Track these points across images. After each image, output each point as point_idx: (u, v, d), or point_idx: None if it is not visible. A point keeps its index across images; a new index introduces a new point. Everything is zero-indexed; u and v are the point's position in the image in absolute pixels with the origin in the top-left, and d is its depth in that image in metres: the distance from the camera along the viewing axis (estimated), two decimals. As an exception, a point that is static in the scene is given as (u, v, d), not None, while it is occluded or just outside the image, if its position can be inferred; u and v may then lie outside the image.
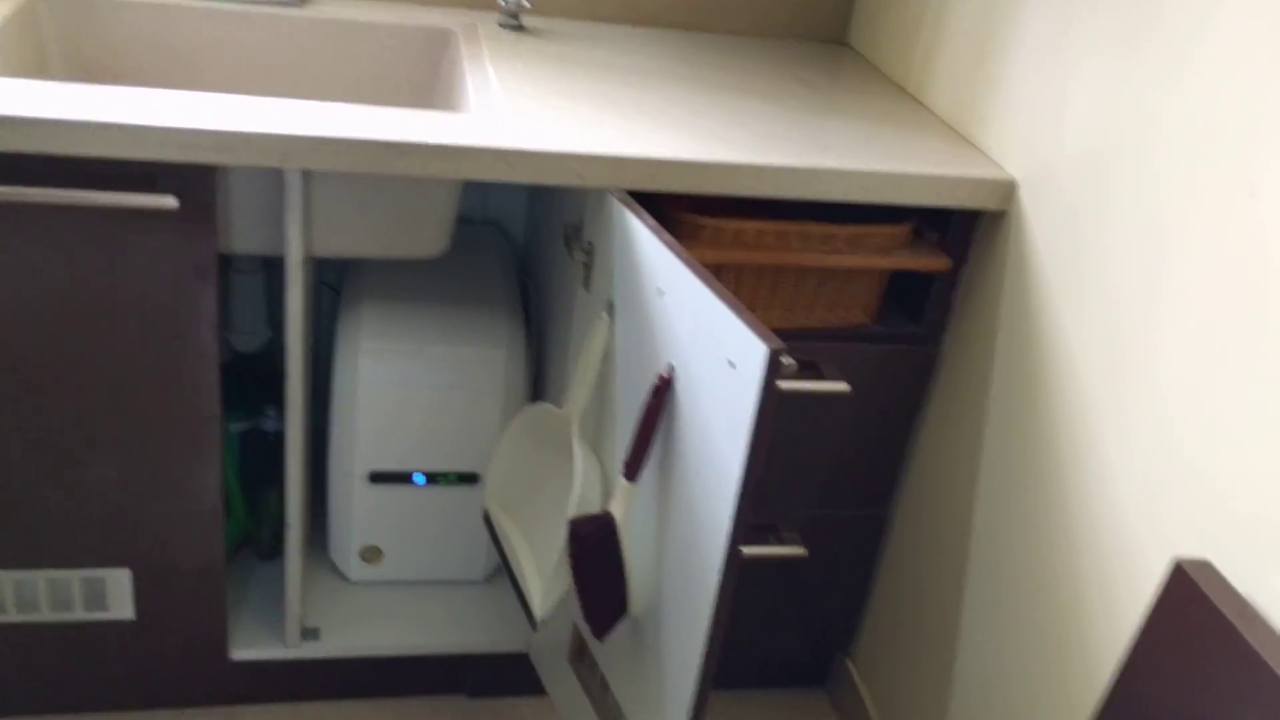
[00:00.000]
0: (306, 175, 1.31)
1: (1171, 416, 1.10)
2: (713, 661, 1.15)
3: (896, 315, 1.56)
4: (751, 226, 1.39)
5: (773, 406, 1.03)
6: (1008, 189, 1.40)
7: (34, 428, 1.33)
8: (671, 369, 1.17)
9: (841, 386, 1.39)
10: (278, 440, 1.71)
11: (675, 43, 1.79)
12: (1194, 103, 1.10)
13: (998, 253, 1.43)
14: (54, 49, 1.59)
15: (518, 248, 1.97)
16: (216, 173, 1.25)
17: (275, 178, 1.31)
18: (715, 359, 1.09)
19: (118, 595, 1.44)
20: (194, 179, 1.24)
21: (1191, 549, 1.06)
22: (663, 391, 1.18)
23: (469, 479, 1.63)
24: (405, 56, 1.71)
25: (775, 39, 1.90)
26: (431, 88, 1.74)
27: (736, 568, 1.10)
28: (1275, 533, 0.97)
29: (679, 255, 1.16)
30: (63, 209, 1.22)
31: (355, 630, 1.61)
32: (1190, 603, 0.98)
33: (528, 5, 1.72)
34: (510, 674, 1.69)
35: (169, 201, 1.21)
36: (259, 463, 1.69)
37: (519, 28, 1.73)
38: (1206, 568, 1.00)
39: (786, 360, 1.02)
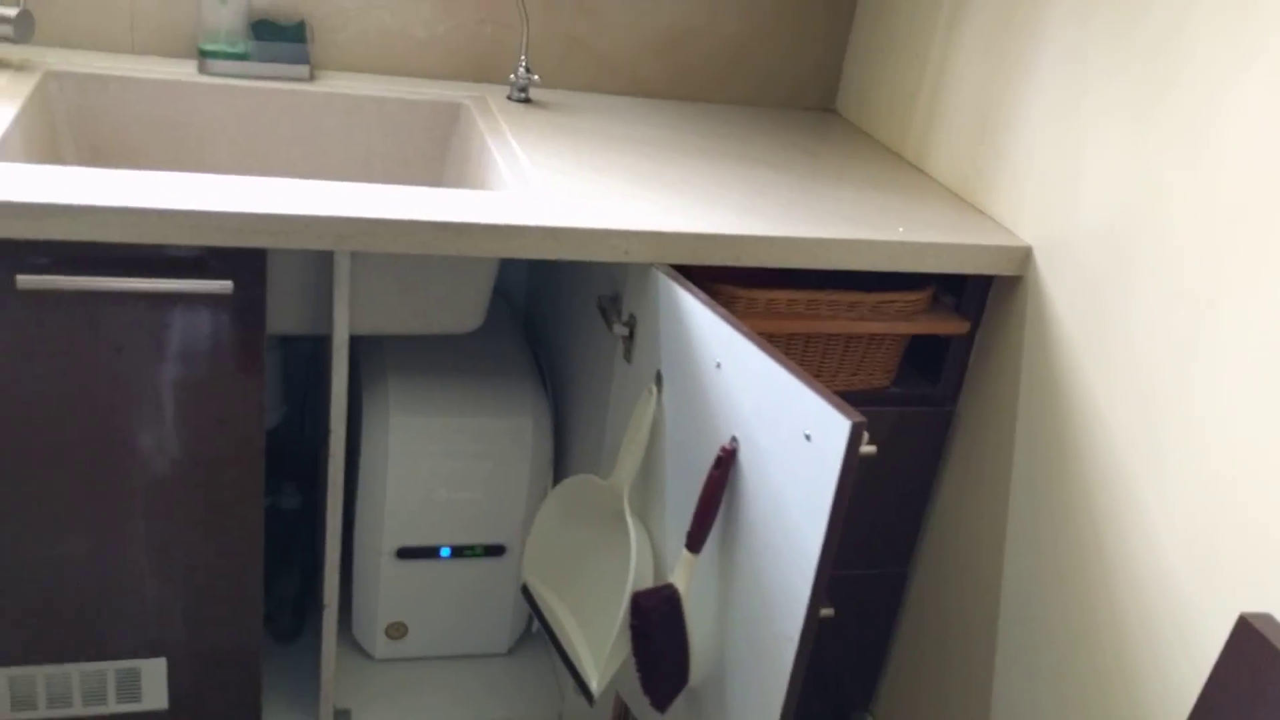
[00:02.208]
0: (353, 255, 1.31)
1: (1220, 472, 1.16)
2: (787, 728, 1.17)
3: (913, 377, 1.60)
4: (784, 296, 1.43)
5: (853, 477, 1.06)
6: (1024, 255, 1.46)
7: (72, 516, 1.30)
8: (735, 441, 1.20)
9: (870, 449, 1.43)
10: (296, 518, 1.69)
11: (678, 113, 1.83)
12: (1218, 168, 1.17)
13: (1014, 315, 1.49)
14: (65, 130, 1.57)
15: (520, 314, 1.98)
16: (267, 256, 1.24)
17: (322, 259, 1.31)
18: (786, 432, 1.12)
19: (152, 685, 1.41)
20: (244, 263, 1.23)
21: (1249, 602, 1.11)
22: (726, 463, 1.20)
23: (495, 551, 1.63)
24: (416, 130, 1.73)
25: (767, 108, 1.96)
26: (442, 160, 1.75)
27: (812, 635, 1.13)
28: (1334, 584, 1.02)
29: (740, 330, 1.19)
30: (110, 296, 1.21)
31: (385, 709, 1.59)
32: (1258, 657, 1.03)
33: (537, 79, 1.75)
34: (539, 746, 1.68)
35: (225, 286, 1.21)
36: (277, 542, 1.67)
37: (527, 100, 1.76)
38: (1271, 621, 1.05)
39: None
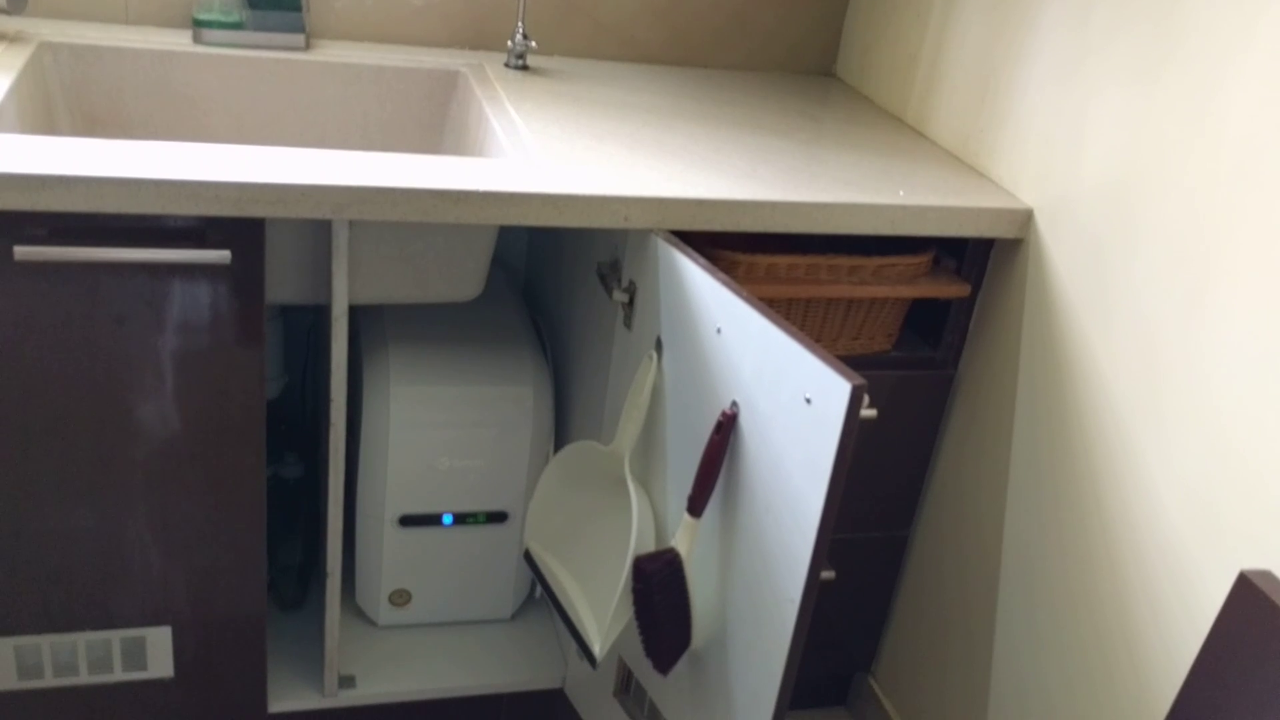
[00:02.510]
0: (352, 225, 1.31)
1: (1223, 430, 1.16)
2: (790, 685, 1.17)
3: (913, 341, 1.60)
4: (784, 261, 1.43)
5: (853, 440, 1.07)
6: (1024, 218, 1.46)
7: (73, 486, 1.30)
8: (735, 405, 1.20)
9: (870, 413, 1.43)
10: (298, 487, 1.69)
11: (675, 79, 1.82)
12: (1223, 129, 1.16)
13: (1015, 278, 1.49)
14: (60, 101, 1.56)
15: (519, 281, 1.98)
16: (265, 225, 1.24)
17: (320, 228, 1.31)
18: (787, 396, 1.12)
19: (158, 654, 1.42)
20: (243, 232, 1.23)
21: (1249, 559, 1.11)
22: (727, 428, 1.20)
23: (497, 518, 1.63)
24: (413, 99, 1.72)
25: (766, 72, 1.95)
26: (440, 128, 1.74)
27: (814, 597, 1.13)
28: (1334, 542, 1.03)
29: (740, 294, 1.19)
30: (108, 266, 1.20)
31: (389, 675, 1.60)
32: (1257, 613, 1.03)
33: (534, 46, 1.74)
34: (544, 711, 1.69)
35: (223, 256, 1.21)
36: (280, 511, 1.67)
37: (524, 68, 1.75)
38: (1271, 578, 1.05)
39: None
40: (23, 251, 1.15)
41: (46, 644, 1.37)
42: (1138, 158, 1.28)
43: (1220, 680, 1.07)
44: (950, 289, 1.51)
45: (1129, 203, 1.29)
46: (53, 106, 1.54)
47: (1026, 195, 1.47)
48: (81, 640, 1.38)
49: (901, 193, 1.43)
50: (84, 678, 1.40)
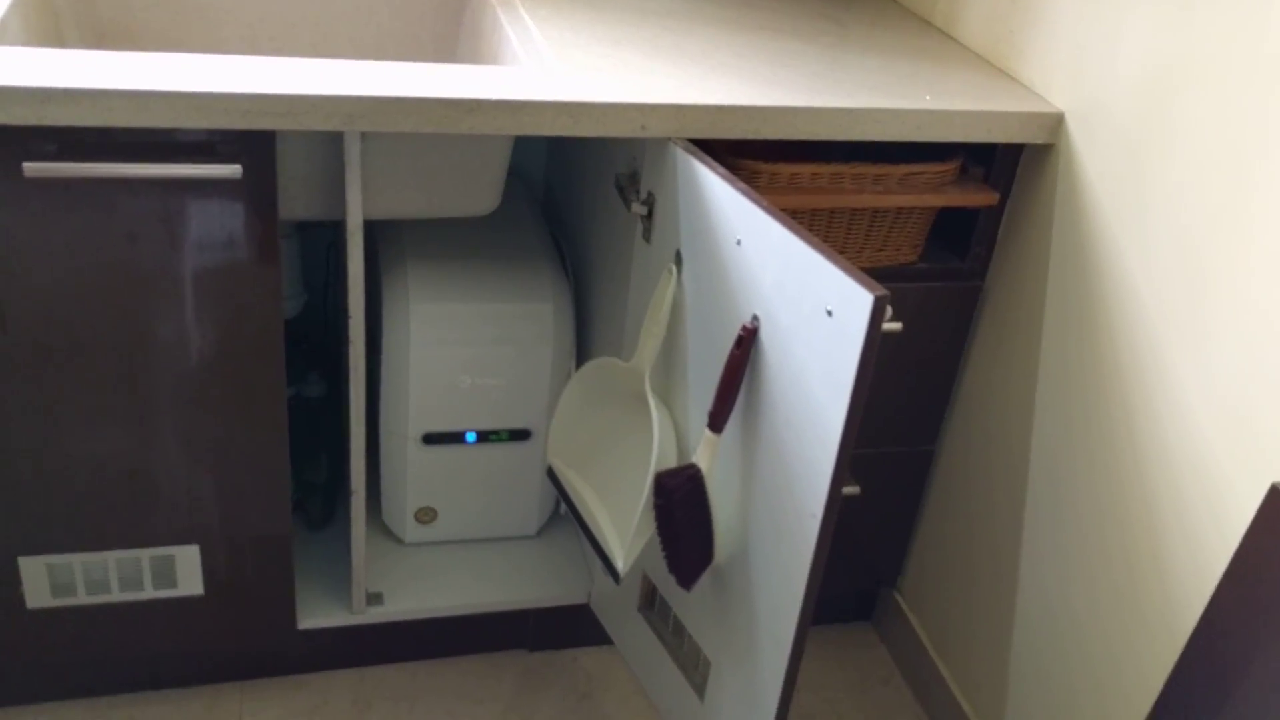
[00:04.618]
0: (364, 137, 1.28)
1: (1262, 342, 1.12)
2: (812, 601, 1.17)
3: (940, 252, 1.57)
4: (806, 170, 1.39)
5: (875, 352, 1.04)
6: (1055, 122, 1.41)
7: (96, 407, 1.30)
8: (756, 319, 1.17)
9: (895, 326, 1.40)
10: (322, 406, 1.69)
11: (697, -17, 1.76)
12: (1270, 26, 1.11)
13: (1045, 186, 1.44)
14: (67, 13, 1.53)
15: (538, 196, 1.95)
16: (275, 139, 1.22)
17: (332, 141, 1.29)
18: (808, 308, 1.10)
19: (187, 572, 1.43)
20: (253, 146, 1.21)
21: (1282, 471, 1.09)
22: (747, 342, 1.18)
23: (520, 435, 1.63)
24: (427, 7, 1.68)
25: (791, -25, 1.88)
26: (455, 38, 1.70)
27: (835, 512, 1.12)
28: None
29: (760, 205, 1.16)
30: (120, 182, 1.19)
31: (416, 592, 1.62)
32: (1290, 524, 1.01)
33: (550, -50, 1.68)
34: (570, 626, 1.70)
35: (234, 170, 1.18)
36: (304, 430, 1.67)
37: (540, -27, 1.70)
38: (1304, 490, 1.03)
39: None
40: (32, 168, 1.14)
41: (78, 562, 1.39)
42: (1177, 57, 1.22)
43: (1249, 594, 1.05)
44: (978, 197, 1.47)
45: (1167, 104, 1.24)
46: (60, 19, 1.52)
47: (1058, 99, 1.42)
48: (112, 558, 1.40)
49: (928, 97, 1.39)
50: (115, 595, 1.42)
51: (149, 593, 1.43)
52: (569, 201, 1.79)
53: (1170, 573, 1.24)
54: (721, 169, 1.22)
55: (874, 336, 1.03)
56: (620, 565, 1.33)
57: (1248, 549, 1.06)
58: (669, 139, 1.30)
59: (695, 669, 1.41)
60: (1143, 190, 1.28)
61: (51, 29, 1.48)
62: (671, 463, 1.32)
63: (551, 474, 1.47)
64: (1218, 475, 1.17)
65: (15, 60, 1.13)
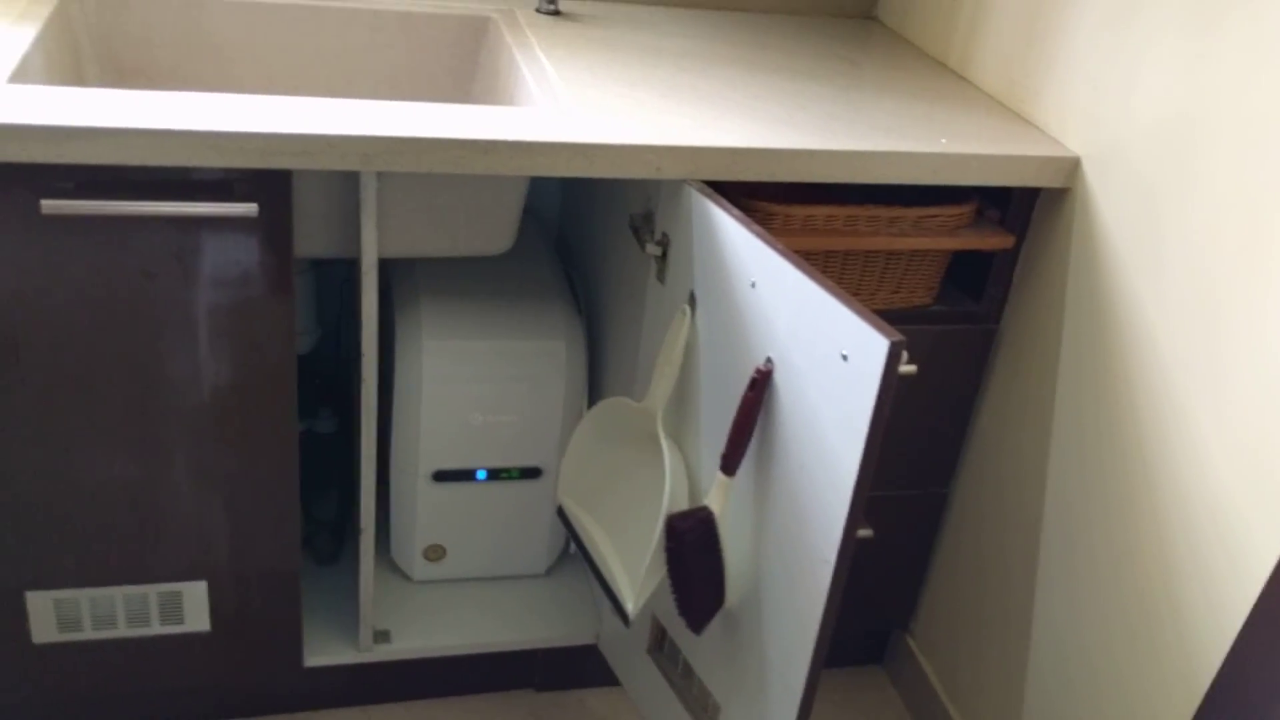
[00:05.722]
0: (380, 177, 1.29)
1: None
2: (824, 647, 1.16)
3: (955, 294, 1.56)
4: (822, 212, 1.39)
5: (891, 398, 1.04)
6: (1072, 166, 1.41)
7: (108, 441, 1.30)
8: (770, 362, 1.17)
9: (910, 368, 1.40)
10: (333, 442, 1.69)
11: (711, 23, 1.77)
12: (1286, 79, 1.11)
13: (1061, 229, 1.44)
14: (88, 51, 1.55)
15: (553, 234, 1.95)
16: (291, 177, 1.22)
17: (348, 180, 1.29)
18: (823, 352, 1.09)
19: (194, 607, 1.43)
20: (270, 185, 1.21)
21: (1303, 522, 1.07)
22: (761, 385, 1.17)
23: (531, 473, 1.62)
24: (443, 45, 1.69)
25: (805, 16, 1.89)
26: (471, 76, 1.71)
27: (849, 558, 1.11)
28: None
29: (774, 247, 1.15)
30: (136, 219, 1.19)
31: (424, 630, 1.60)
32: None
33: (566, -10, 1.70)
34: (577, 666, 1.69)
35: (250, 209, 1.19)
36: (314, 466, 1.67)
37: (556, 13, 1.71)
38: (1326, 541, 1.01)
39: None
40: (50, 205, 1.14)
41: (85, 598, 1.38)
42: (1195, 103, 1.22)
43: (1272, 644, 1.04)
44: (993, 240, 1.47)
45: (1184, 148, 1.24)
46: (80, 57, 1.53)
47: (1074, 143, 1.42)
48: (119, 594, 1.39)
49: (944, 140, 1.39)
50: (122, 630, 1.42)
51: (155, 628, 1.43)
52: (583, 240, 1.79)
53: (1187, 620, 1.22)
54: (736, 211, 1.22)
55: (889, 382, 1.03)
56: (630, 608, 1.31)
57: (1269, 598, 1.04)
58: (684, 180, 1.30)
59: (704, 712, 1.40)
60: (1159, 234, 1.27)
61: (72, 65, 1.49)
62: (683, 505, 1.31)
63: (562, 513, 1.46)
64: (1236, 521, 1.16)
65: (34, 99, 1.14)
